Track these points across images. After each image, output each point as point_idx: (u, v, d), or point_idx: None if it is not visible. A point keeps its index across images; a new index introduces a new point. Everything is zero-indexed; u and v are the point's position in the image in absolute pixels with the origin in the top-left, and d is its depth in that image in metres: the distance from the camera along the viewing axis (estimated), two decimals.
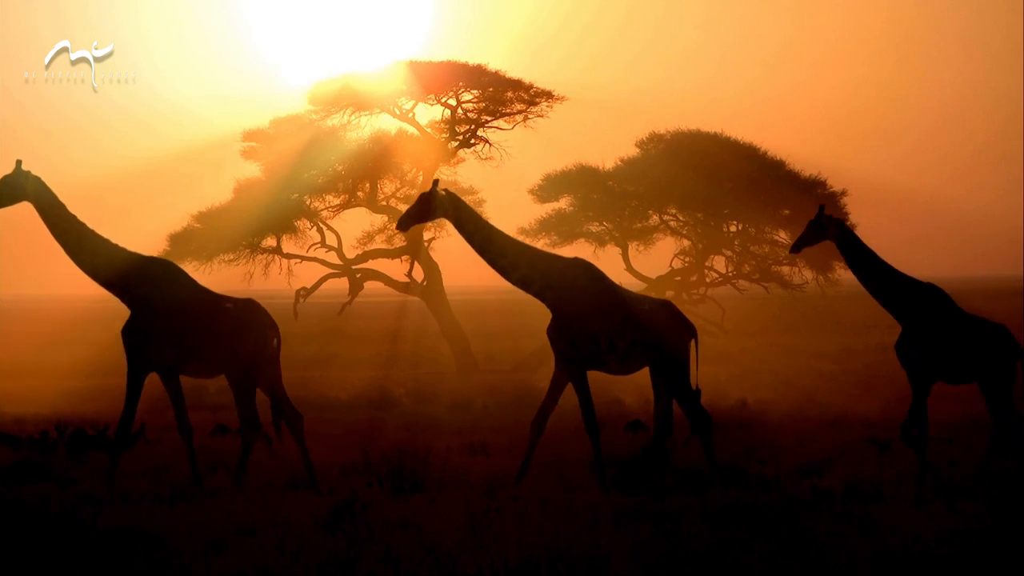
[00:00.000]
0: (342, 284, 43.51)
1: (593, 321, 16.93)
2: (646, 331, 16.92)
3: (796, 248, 17.39)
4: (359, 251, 43.08)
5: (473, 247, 17.22)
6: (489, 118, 42.79)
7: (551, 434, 20.27)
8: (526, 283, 17.15)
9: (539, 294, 17.14)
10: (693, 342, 17.03)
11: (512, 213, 47.25)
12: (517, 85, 42.53)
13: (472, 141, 42.80)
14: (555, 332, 17.04)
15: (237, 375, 17.33)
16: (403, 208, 42.79)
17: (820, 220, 17.03)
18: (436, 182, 17.18)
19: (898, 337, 16.73)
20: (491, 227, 17.27)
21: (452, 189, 45.93)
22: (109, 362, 50.84)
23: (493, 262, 17.19)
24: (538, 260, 17.17)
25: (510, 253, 17.13)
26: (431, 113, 42.76)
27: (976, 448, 19.34)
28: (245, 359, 17.36)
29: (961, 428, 21.70)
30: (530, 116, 42.69)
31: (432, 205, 17.08)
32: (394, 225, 42.74)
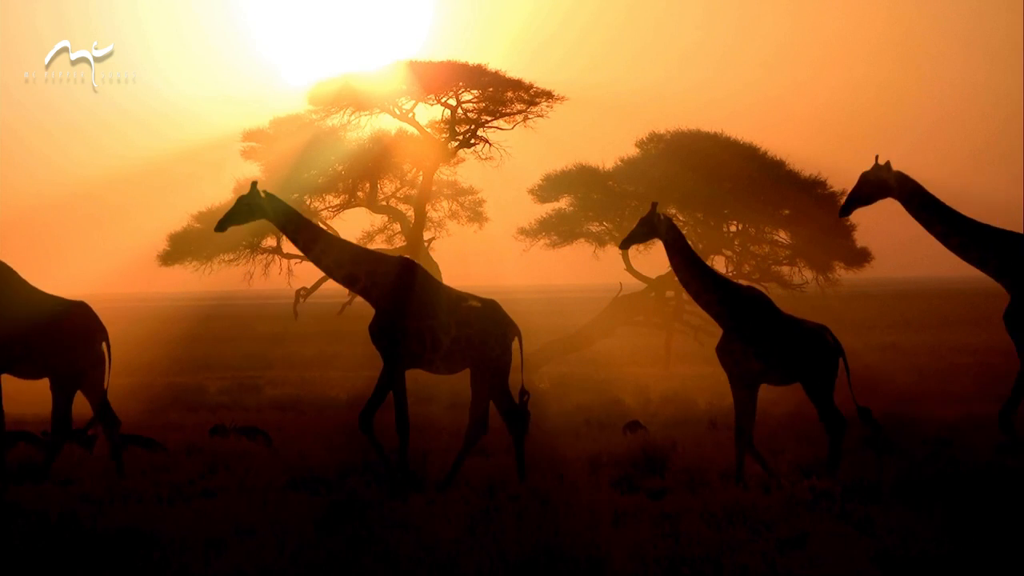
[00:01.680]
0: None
1: (417, 319, 17.02)
2: (471, 329, 17.00)
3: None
4: None
5: (297, 246, 17.37)
6: (489, 118, 42.76)
7: (552, 434, 20.29)
8: (351, 280, 17.26)
9: (363, 292, 17.26)
10: (517, 341, 17.18)
11: (512, 213, 47.22)
12: (517, 85, 42.49)
13: (472, 141, 42.78)
14: (377, 330, 17.09)
15: (60, 378, 17.37)
16: (403, 208, 42.85)
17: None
18: (254, 184, 17.20)
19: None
20: (314, 225, 17.44)
21: (452, 189, 45.98)
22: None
23: (317, 260, 17.31)
24: (362, 257, 17.27)
25: (334, 251, 17.22)
26: (431, 113, 42.72)
27: (978, 448, 19.34)
28: (71, 362, 17.39)
29: (961, 428, 21.69)
30: (530, 116, 42.66)
31: (251, 207, 17.14)
32: (395, 225, 42.79)
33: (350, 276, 17.17)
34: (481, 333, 17.01)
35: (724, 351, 16.73)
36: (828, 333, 16.86)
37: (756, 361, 16.59)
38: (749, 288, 17.07)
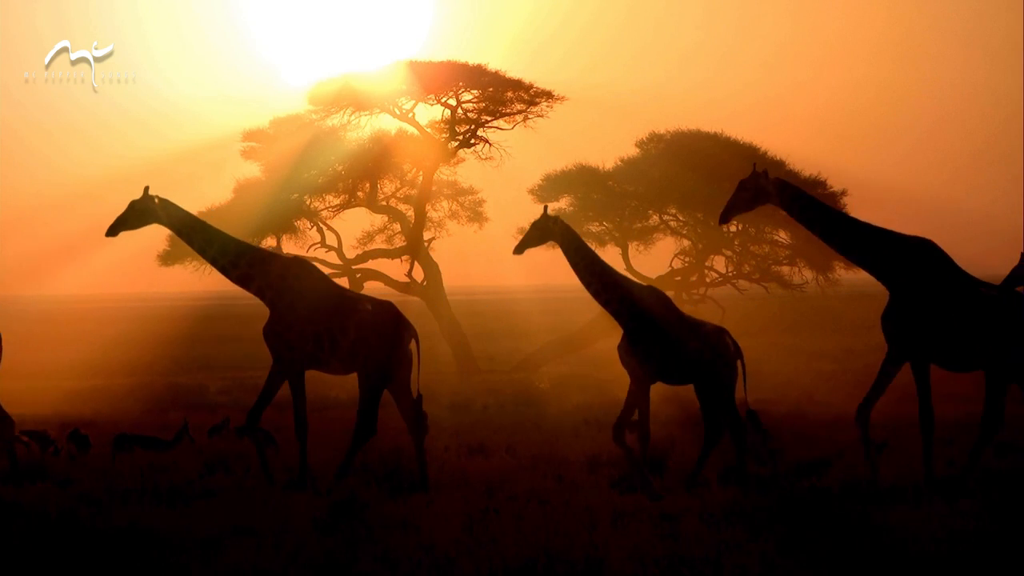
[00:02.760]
0: (342, 284, 43.51)
1: (312, 321, 17.09)
2: (367, 331, 17.07)
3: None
4: (359, 251, 43.08)
5: (193, 248, 17.46)
6: (489, 118, 42.77)
7: (552, 434, 20.30)
8: (245, 280, 17.37)
9: (258, 292, 17.36)
10: (414, 343, 17.26)
11: (512, 213, 47.26)
12: (517, 85, 42.51)
13: (472, 141, 42.78)
14: (271, 331, 17.17)
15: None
16: (403, 208, 42.85)
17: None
18: (146, 189, 17.30)
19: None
20: (208, 228, 17.45)
21: (452, 189, 45.99)
22: (109, 362, 50.92)
23: (214, 262, 17.42)
24: (257, 258, 17.34)
25: (231, 252, 17.32)
26: (431, 113, 42.74)
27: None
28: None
29: (961, 428, 21.69)
30: (530, 116, 42.67)
31: (143, 212, 17.20)
32: (395, 225, 42.78)
33: (245, 276, 17.33)
34: (378, 335, 17.10)
35: (624, 351, 16.82)
36: (727, 335, 16.92)
37: (651, 361, 16.68)
38: (649, 288, 17.13)
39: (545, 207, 17.53)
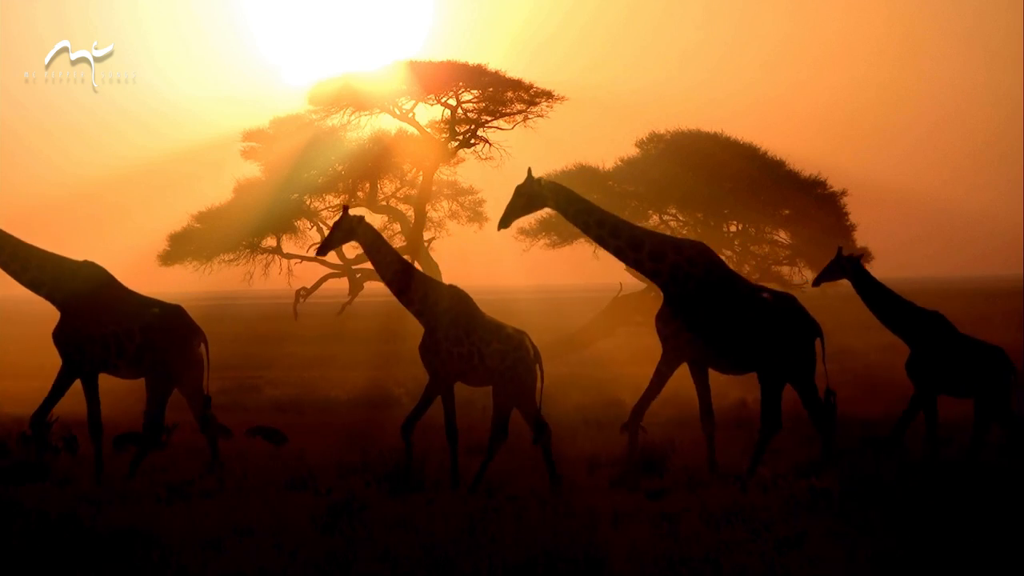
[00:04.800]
0: (342, 284, 43.47)
1: (101, 324, 17.20)
2: (155, 334, 17.18)
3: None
4: (359, 251, 43.09)
5: None
6: (489, 118, 42.76)
7: (552, 434, 20.22)
8: (35, 285, 17.59)
9: (49, 296, 17.58)
10: (204, 346, 17.38)
11: None
12: (517, 85, 42.49)
13: (472, 141, 42.77)
14: (61, 335, 17.35)
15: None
16: (403, 208, 42.86)
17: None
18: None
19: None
20: (5, 234, 17.58)
21: (452, 189, 45.95)
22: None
23: (5, 266, 17.83)
24: (47, 262, 17.49)
25: (21, 256, 17.50)
26: (431, 113, 42.72)
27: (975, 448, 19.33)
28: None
29: (961, 428, 21.69)
30: (530, 116, 42.66)
31: None
32: (395, 225, 42.81)
33: (35, 280, 17.62)
34: (166, 339, 17.23)
35: (422, 347, 17.02)
36: (527, 338, 17.03)
37: (454, 360, 16.79)
38: (451, 288, 17.26)
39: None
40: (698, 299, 16.71)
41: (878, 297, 17.52)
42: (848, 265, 17.59)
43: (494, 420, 16.86)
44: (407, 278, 17.06)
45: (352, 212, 17.90)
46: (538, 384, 16.82)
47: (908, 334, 17.52)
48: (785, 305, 16.89)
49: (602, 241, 17.00)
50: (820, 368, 17.07)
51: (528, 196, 17.10)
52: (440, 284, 17.36)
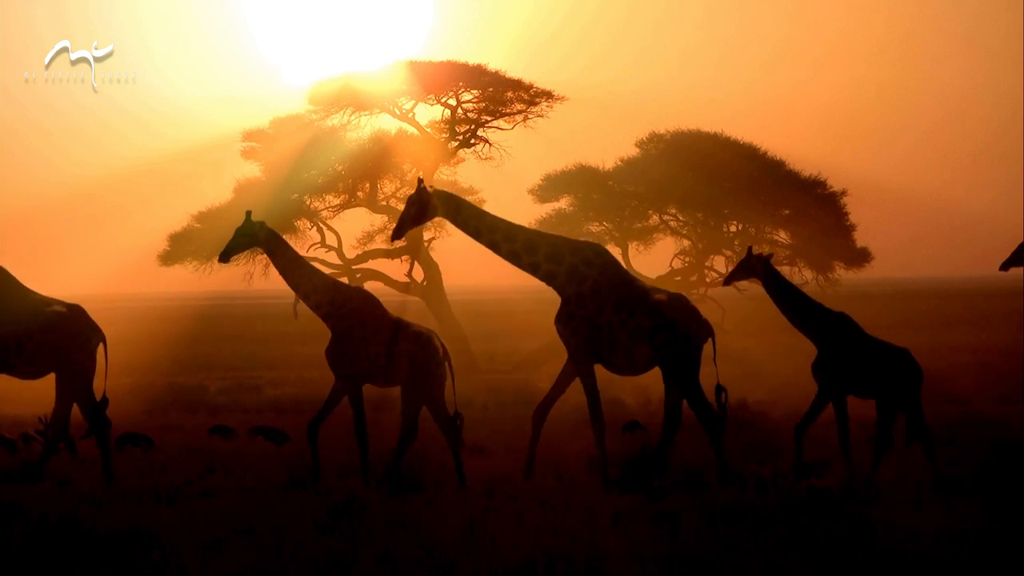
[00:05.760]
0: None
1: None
2: (53, 334, 17.24)
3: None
4: (359, 251, 43.08)
5: None
6: (489, 118, 42.77)
7: (552, 434, 20.26)
8: None
9: None
10: (102, 346, 17.44)
11: (512, 213, 47.16)
12: (517, 85, 42.51)
13: (472, 141, 42.78)
14: None
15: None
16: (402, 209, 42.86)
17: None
18: None
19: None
20: None
21: (452, 189, 45.99)
22: (109, 362, 50.75)
23: None
24: None
25: None
26: (431, 113, 42.75)
27: (977, 448, 19.35)
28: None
29: (961, 428, 21.70)
30: (530, 116, 42.69)
31: None
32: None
33: None
34: (64, 338, 17.29)
35: (329, 350, 17.06)
36: (435, 338, 17.07)
37: (362, 362, 16.84)
38: (358, 290, 17.36)
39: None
40: (593, 299, 16.85)
41: (786, 297, 17.48)
42: (758, 264, 17.60)
43: (403, 421, 16.91)
44: (314, 281, 17.18)
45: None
46: (448, 384, 16.91)
47: (815, 335, 17.44)
48: (677, 304, 16.99)
49: (495, 246, 17.09)
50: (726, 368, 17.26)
51: (419, 205, 17.24)
52: (347, 286, 17.43)
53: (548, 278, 16.99)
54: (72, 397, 17.45)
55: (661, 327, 16.78)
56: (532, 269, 17.11)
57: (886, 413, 17.20)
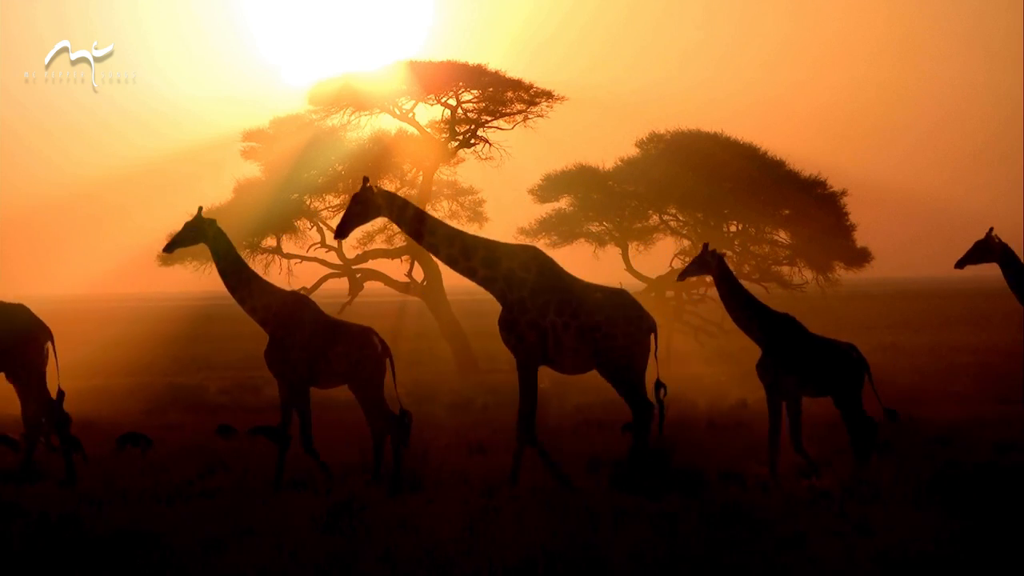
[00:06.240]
0: (342, 284, 43.55)
1: None
2: (1, 333, 17.31)
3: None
4: (359, 251, 43.12)
5: None
6: (489, 118, 42.80)
7: (552, 434, 20.26)
8: None
9: None
10: (50, 345, 17.49)
11: (512, 213, 47.27)
12: (517, 85, 42.54)
13: (472, 141, 42.81)
14: None
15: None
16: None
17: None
18: None
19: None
20: None
21: (452, 189, 45.95)
22: (109, 362, 50.86)
23: None
24: None
25: None
26: (431, 113, 42.79)
27: (978, 448, 19.35)
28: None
29: (961, 428, 21.70)
30: (530, 116, 42.72)
31: None
32: (395, 226, 42.81)
33: None
34: (10, 338, 17.36)
35: (267, 354, 17.15)
36: (374, 335, 17.11)
37: (302, 365, 17.04)
38: (293, 293, 17.40)
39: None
40: (534, 303, 16.85)
41: (735, 296, 17.48)
42: (713, 260, 17.63)
43: (370, 421, 16.96)
44: (251, 286, 17.19)
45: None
46: (389, 379, 16.94)
47: (759, 335, 17.47)
48: (617, 301, 16.97)
49: (435, 249, 17.09)
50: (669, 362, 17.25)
51: (363, 204, 17.24)
52: (281, 290, 17.43)
53: (486, 283, 16.94)
54: (28, 395, 17.46)
55: (601, 323, 16.76)
56: (470, 274, 17.08)
57: (845, 407, 17.21)
